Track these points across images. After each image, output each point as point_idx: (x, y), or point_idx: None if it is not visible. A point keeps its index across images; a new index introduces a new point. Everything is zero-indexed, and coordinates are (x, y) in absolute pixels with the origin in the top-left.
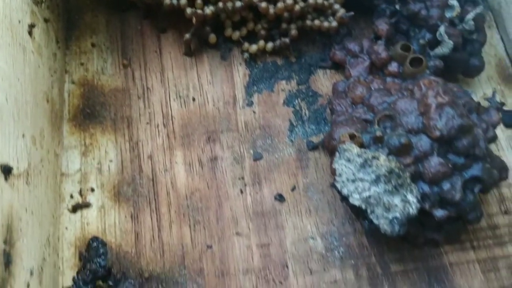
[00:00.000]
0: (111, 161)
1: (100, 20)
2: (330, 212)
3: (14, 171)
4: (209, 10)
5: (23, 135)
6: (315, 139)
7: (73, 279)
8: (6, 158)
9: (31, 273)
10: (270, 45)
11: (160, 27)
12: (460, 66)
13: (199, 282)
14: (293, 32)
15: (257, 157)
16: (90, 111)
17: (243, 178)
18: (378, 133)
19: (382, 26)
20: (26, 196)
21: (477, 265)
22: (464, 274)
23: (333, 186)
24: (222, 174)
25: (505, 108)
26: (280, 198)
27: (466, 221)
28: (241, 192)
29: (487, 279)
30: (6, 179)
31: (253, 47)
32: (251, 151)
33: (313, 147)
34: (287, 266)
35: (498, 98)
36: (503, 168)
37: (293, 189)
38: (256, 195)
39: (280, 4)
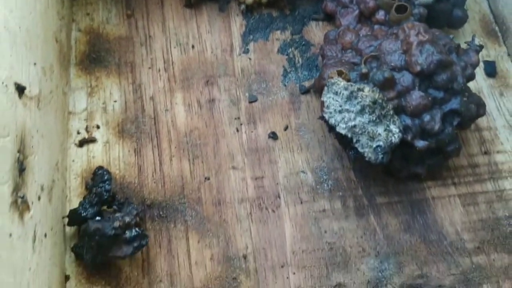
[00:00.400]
0: (115, 101)
1: None
2: (320, 150)
3: (27, 92)
4: None
5: (35, 64)
6: (307, 84)
7: (80, 202)
8: (19, 79)
9: (42, 189)
10: None
11: None
12: (444, 17)
13: (198, 209)
14: None
15: (252, 100)
16: (96, 56)
17: (239, 118)
18: (364, 70)
19: None
20: (37, 119)
21: (457, 199)
22: (445, 207)
23: (321, 117)
24: (219, 114)
25: (488, 59)
26: (273, 136)
27: (445, 153)
28: (237, 130)
29: (466, 212)
30: (19, 96)
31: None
32: (247, 94)
33: (305, 91)
34: (279, 197)
35: (477, 41)
36: (480, 104)
37: (286, 128)
38: (251, 133)
39: None
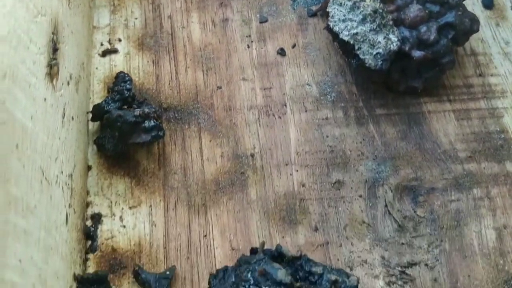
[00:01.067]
0: (136, 18)
1: None
2: (325, 66)
3: None
4: None
5: None
6: (315, 8)
7: (103, 99)
8: None
9: (70, 77)
10: None
11: None
12: None
13: (210, 113)
14: None
15: (262, 20)
16: None
17: (250, 36)
18: None
19: None
20: (68, 16)
21: (452, 114)
22: (440, 120)
23: (327, 27)
24: (232, 32)
25: None
26: (281, 52)
27: (441, 66)
28: (248, 47)
29: (460, 125)
30: None
31: None
32: (258, 15)
33: (313, 14)
34: (285, 105)
35: None
36: (474, 20)
37: (293, 46)
38: (261, 50)
39: None
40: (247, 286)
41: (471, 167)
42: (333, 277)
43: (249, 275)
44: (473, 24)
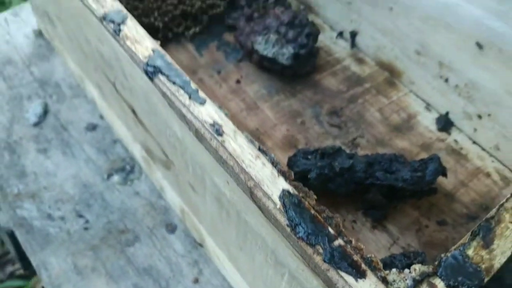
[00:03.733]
0: None
1: None
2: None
3: None
4: None
5: None
6: (240, 56)
7: None
8: None
9: None
10: None
11: None
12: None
13: None
14: None
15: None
16: None
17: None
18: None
19: (242, 2)
20: None
21: (329, 76)
22: (326, 80)
23: (256, 51)
24: None
25: None
26: (238, 81)
27: (313, 56)
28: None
29: (336, 80)
30: None
31: None
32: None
33: (241, 59)
34: None
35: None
36: (317, 30)
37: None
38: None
39: None
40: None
41: None
42: None
43: None
44: (317, 30)
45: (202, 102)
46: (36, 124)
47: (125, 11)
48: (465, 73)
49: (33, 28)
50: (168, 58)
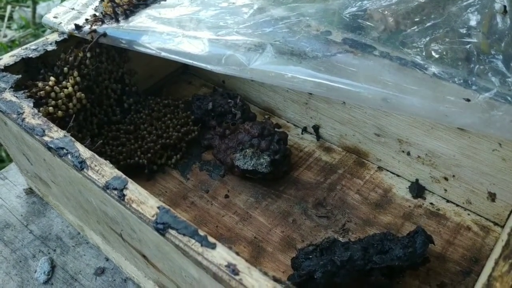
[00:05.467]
0: None
1: None
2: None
3: None
4: None
5: None
6: (221, 172)
7: None
8: None
9: None
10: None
11: None
12: (248, 118)
13: None
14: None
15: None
16: None
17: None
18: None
19: (213, 123)
20: None
21: (305, 170)
22: (304, 175)
23: (237, 166)
24: None
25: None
26: (226, 196)
27: (287, 156)
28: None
29: (312, 172)
30: None
31: None
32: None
33: (224, 175)
34: None
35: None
36: (285, 134)
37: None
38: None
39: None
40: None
41: None
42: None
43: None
44: (286, 137)
45: (214, 247)
46: (46, 282)
47: (123, 176)
48: (423, 145)
49: (23, 187)
50: (173, 212)
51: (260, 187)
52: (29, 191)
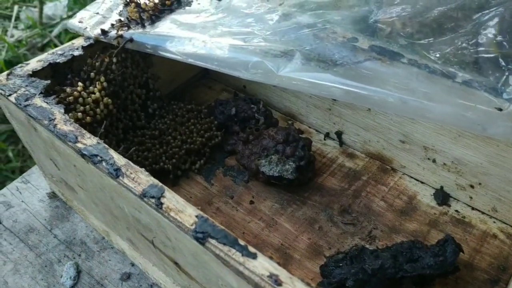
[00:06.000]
0: None
1: None
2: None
3: None
4: None
5: None
6: (246, 177)
7: None
8: None
9: None
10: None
11: None
12: (271, 124)
13: None
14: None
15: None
16: None
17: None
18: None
19: (236, 128)
20: None
21: (329, 176)
22: (328, 181)
23: (262, 172)
24: None
25: None
26: (251, 202)
27: (311, 162)
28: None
29: (336, 178)
30: None
31: None
32: None
33: (248, 180)
34: None
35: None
36: (309, 141)
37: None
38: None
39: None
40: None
41: None
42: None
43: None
44: (310, 146)
45: (255, 257)
46: (72, 287)
47: (160, 183)
48: (449, 153)
49: (46, 191)
50: (212, 220)
51: (285, 193)
52: (52, 195)
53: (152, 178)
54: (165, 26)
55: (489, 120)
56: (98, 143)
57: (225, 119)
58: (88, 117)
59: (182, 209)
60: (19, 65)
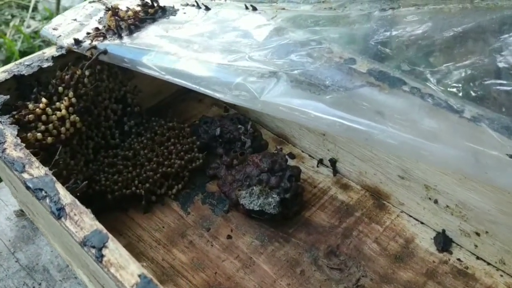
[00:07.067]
0: None
1: None
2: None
3: None
4: None
5: None
6: (226, 207)
7: None
8: None
9: None
10: None
11: None
12: (259, 147)
13: None
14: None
15: (207, 228)
16: None
17: (210, 240)
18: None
19: (220, 150)
20: None
21: (318, 210)
22: (316, 216)
23: (243, 207)
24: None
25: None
26: (228, 237)
27: (299, 195)
28: (212, 246)
29: (326, 213)
30: None
31: None
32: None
33: (228, 210)
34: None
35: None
36: (298, 170)
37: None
38: (222, 242)
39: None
40: None
41: None
42: None
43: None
44: (298, 170)
45: None
46: None
47: (104, 230)
48: (453, 195)
49: (13, 208)
50: (155, 282)
51: (267, 228)
52: (20, 214)
53: (97, 222)
54: (145, 38)
55: (498, 168)
56: (46, 174)
57: (209, 139)
58: (49, 138)
59: (125, 265)
60: None
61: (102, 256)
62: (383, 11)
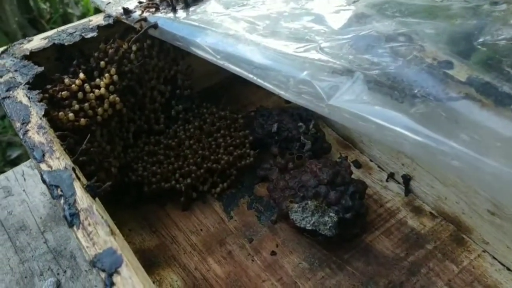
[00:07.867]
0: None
1: None
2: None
3: None
4: None
5: None
6: (274, 217)
7: None
8: None
9: None
10: None
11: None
12: (320, 150)
13: None
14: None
15: (250, 239)
16: None
17: (250, 254)
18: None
19: (275, 150)
20: None
21: (382, 236)
22: (379, 242)
23: (294, 226)
24: (238, 257)
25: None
26: (272, 253)
27: (362, 215)
28: (252, 260)
29: (391, 240)
30: None
31: None
32: (246, 239)
33: (275, 221)
34: None
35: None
36: (363, 186)
37: (274, 251)
38: (261, 257)
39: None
40: None
41: None
42: None
43: None
44: (364, 185)
45: None
46: None
47: (118, 251)
48: None
49: None
50: None
51: (319, 249)
52: None
53: (112, 239)
54: (202, 14)
55: None
56: (66, 168)
57: (264, 135)
58: (82, 119)
59: None
60: (20, 40)
61: (112, 284)
62: (495, 5)
